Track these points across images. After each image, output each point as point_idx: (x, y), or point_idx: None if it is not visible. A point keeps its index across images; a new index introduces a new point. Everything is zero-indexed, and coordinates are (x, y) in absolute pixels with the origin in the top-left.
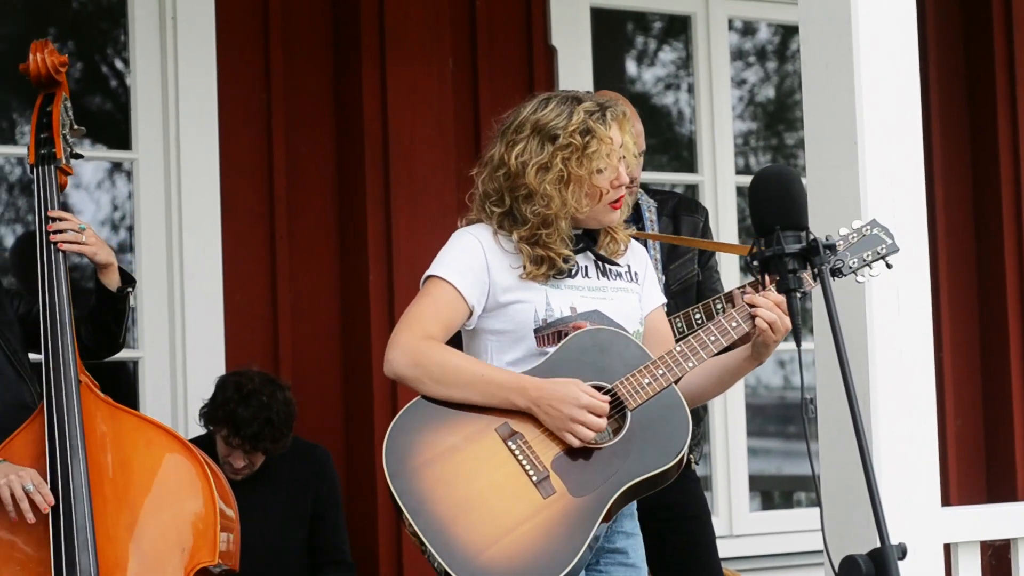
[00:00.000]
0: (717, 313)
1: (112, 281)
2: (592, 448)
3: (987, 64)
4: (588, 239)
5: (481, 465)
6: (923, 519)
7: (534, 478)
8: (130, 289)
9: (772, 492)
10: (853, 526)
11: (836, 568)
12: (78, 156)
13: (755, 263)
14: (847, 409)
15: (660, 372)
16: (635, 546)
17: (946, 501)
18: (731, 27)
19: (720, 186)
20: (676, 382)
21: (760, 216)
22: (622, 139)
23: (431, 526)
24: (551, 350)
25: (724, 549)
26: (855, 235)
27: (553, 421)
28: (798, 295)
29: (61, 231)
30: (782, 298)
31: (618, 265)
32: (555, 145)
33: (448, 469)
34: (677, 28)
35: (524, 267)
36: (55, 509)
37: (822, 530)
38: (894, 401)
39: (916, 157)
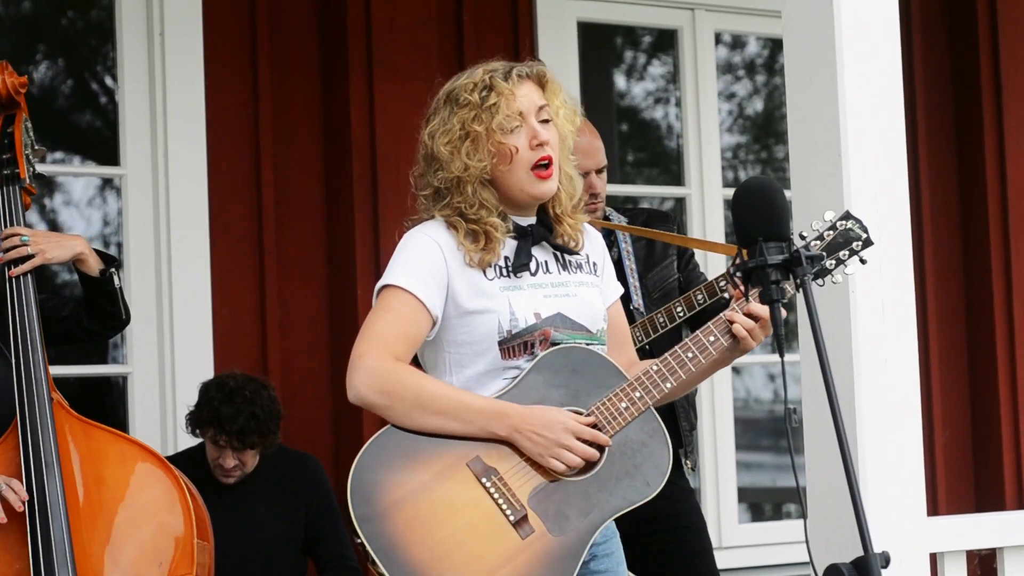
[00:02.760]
0: (698, 304)
1: (90, 268)
2: (570, 481)
3: (973, 73)
4: (543, 228)
5: (454, 505)
6: (909, 529)
7: (511, 518)
8: (112, 270)
9: (762, 504)
10: (838, 536)
11: None
12: (39, 176)
13: (738, 274)
14: (832, 419)
15: (637, 395)
16: (609, 550)
17: (934, 511)
18: (720, 41)
19: (707, 199)
20: (655, 404)
21: (743, 227)
22: (543, 100)
23: (404, 573)
24: (520, 363)
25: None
26: (829, 231)
27: (537, 448)
28: (781, 305)
29: (7, 252)
30: (762, 309)
31: (577, 254)
32: (457, 106)
33: (421, 509)
34: (665, 42)
35: (466, 253)
36: (32, 524)
37: (806, 540)
38: (879, 411)
39: (900, 168)
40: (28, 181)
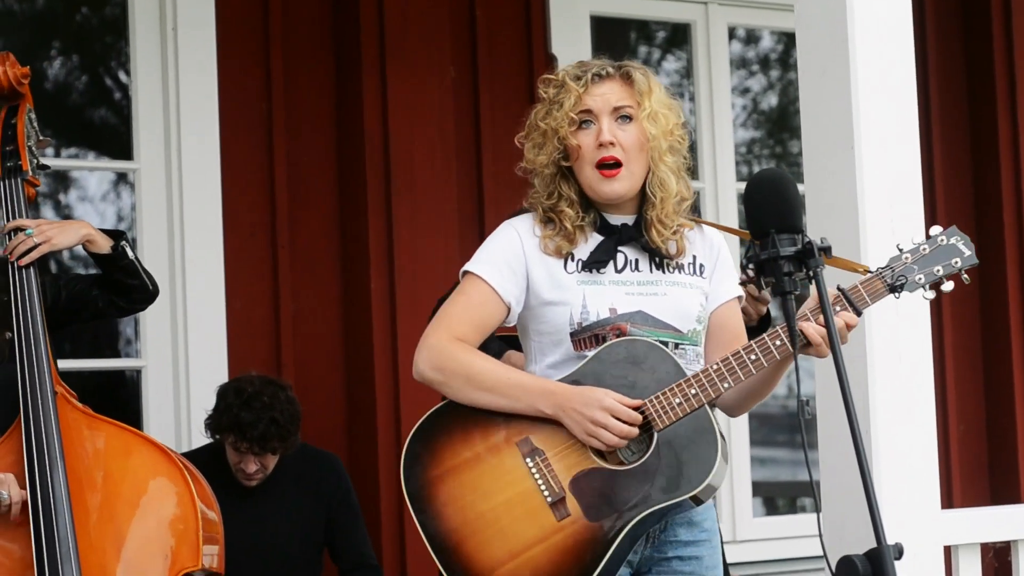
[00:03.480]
0: None
1: (100, 247)
2: (613, 470)
3: (987, 67)
4: (635, 229)
5: (497, 481)
6: (923, 521)
7: (549, 499)
8: (123, 243)
9: (777, 499)
10: (852, 529)
11: (833, 569)
12: (44, 168)
13: (750, 266)
14: (845, 413)
15: (692, 392)
16: (695, 553)
17: (949, 504)
18: (734, 36)
19: (721, 193)
20: (711, 403)
21: (755, 219)
22: (625, 100)
23: (441, 542)
24: (590, 354)
25: (727, 554)
26: (927, 245)
27: (577, 426)
28: (792, 297)
29: (15, 247)
30: (844, 317)
31: (670, 257)
32: (537, 100)
33: (464, 483)
34: (680, 38)
35: (542, 239)
36: (36, 520)
37: (819, 533)
38: (893, 404)
39: (914, 161)
40: (31, 173)
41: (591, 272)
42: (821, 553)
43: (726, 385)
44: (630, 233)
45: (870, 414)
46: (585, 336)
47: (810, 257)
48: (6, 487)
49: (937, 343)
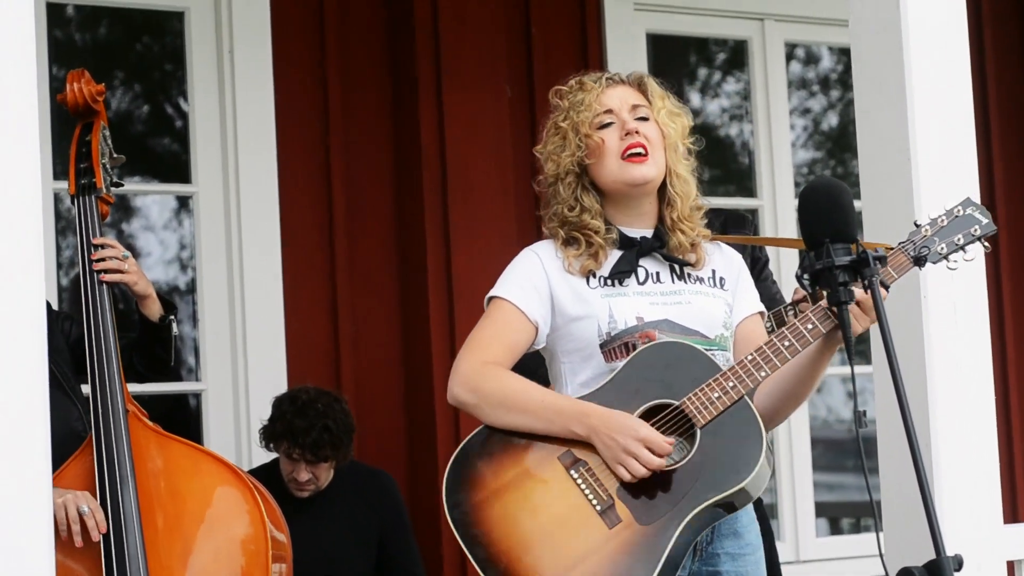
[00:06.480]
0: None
1: (153, 311)
2: (659, 471)
3: None
4: (655, 240)
5: (544, 498)
6: (985, 536)
7: (598, 508)
8: (172, 317)
9: (841, 519)
10: (912, 543)
11: None
12: (118, 185)
13: (805, 276)
14: (903, 425)
15: (731, 384)
16: (742, 567)
17: (1013, 518)
18: (794, 56)
19: (780, 212)
20: (750, 394)
21: (810, 229)
22: (641, 101)
23: (494, 565)
24: (620, 364)
25: (791, 575)
26: (944, 217)
27: (609, 452)
28: (848, 307)
29: (104, 259)
30: (864, 295)
31: (692, 266)
32: (553, 111)
33: (510, 503)
34: (739, 59)
35: (566, 260)
36: (107, 538)
37: (880, 551)
38: (953, 416)
39: (970, 168)
40: (104, 190)
41: (614, 285)
42: (883, 573)
43: (763, 374)
44: (650, 244)
45: (929, 426)
46: (615, 346)
47: (865, 266)
48: (84, 502)
49: (997, 350)
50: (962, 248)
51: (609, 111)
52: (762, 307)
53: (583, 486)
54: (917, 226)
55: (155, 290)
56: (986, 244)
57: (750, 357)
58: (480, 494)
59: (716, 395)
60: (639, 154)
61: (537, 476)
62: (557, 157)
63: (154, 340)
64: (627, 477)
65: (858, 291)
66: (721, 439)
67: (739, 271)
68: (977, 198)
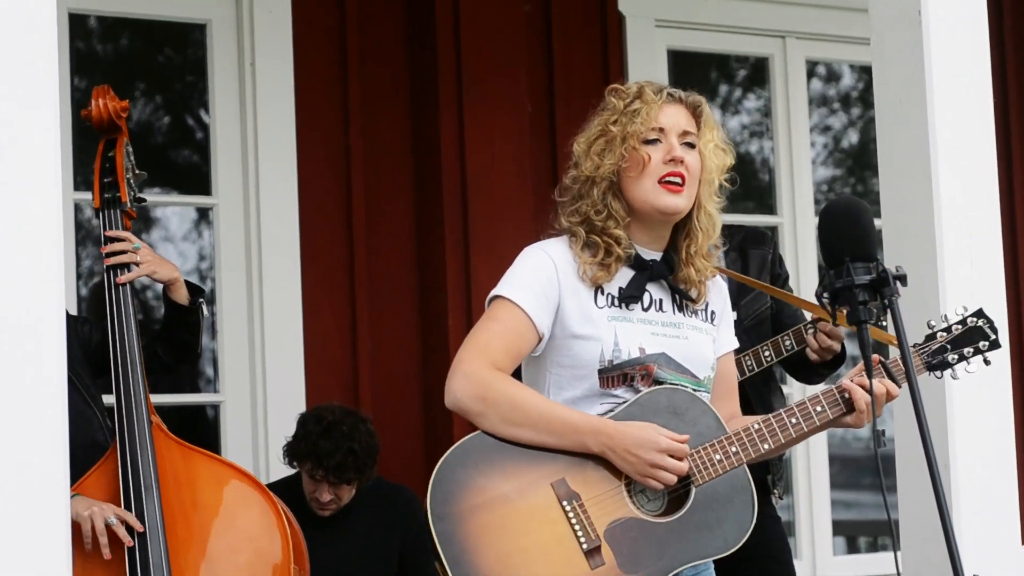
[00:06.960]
0: (786, 350)
1: (181, 296)
2: (650, 521)
3: None
4: (664, 266)
5: (530, 521)
6: (1004, 558)
7: (585, 546)
8: (201, 300)
9: (858, 538)
10: (930, 562)
11: None
12: (141, 200)
13: (825, 295)
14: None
15: (733, 450)
16: None
17: None
18: (814, 74)
19: (800, 230)
20: (748, 462)
21: (830, 248)
22: (692, 127)
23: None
24: (618, 392)
25: None
26: (958, 326)
27: (631, 467)
28: (867, 327)
29: (116, 252)
30: (880, 385)
31: (694, 301)
32: (604, 110)
33: (496, 519)
34: (759, 76)
35: (580, 265)
36: (131, 549)
37: (896, 564)
38: (972, 436)
39: (991, 188)
40: (129, 205)
41: (622, 308)
42: None
43: (766, 446)
44: (661, 270)
45: (948, 447)
46: (614, 374)
47: (885, 285)
48: (111, 513)
49: (1017, 371)
50: (967, 360)
51: (660, 129)
52: (736, 343)
53: (573, 521)
54: (931, 328)
55: (180, 274)
56: (988, 360)
57: (756, 427)
58: (464, 504)
59: (718, 457)
60: (676, 183)
61: (527, 499)
62: (599, 159)
63: (182, 324)
64: (657, 487)
65: (858, 394)
66: (714, 503)
67: (725, 304)
68: (998, 215)
